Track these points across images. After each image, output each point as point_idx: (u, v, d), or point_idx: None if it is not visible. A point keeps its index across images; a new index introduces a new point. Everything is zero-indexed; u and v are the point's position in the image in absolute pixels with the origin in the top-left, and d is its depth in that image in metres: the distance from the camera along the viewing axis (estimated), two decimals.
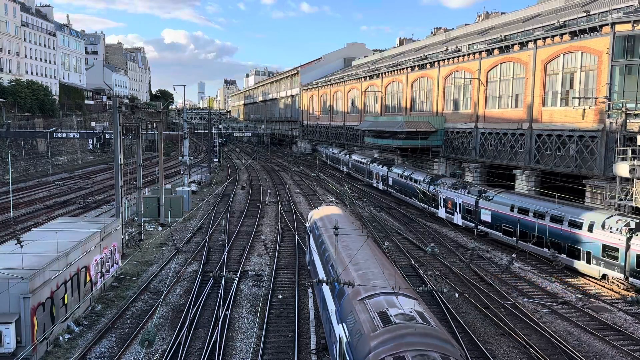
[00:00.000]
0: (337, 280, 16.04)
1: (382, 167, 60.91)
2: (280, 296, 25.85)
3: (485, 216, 37.73)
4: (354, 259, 18.05)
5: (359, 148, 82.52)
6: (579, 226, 29.70)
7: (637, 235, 26.40)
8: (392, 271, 17.84)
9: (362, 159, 70.69)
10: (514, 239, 34.30)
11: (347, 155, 78.25)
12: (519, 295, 26.64)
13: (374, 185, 63.40)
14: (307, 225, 29.63)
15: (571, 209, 31.40)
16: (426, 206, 46.99)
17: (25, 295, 18.30)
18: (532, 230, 32.89)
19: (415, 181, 49.74)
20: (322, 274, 21.01)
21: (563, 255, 30.23)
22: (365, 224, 38.49)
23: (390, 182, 57.27)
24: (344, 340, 13.91)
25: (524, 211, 33.94)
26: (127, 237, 34.31)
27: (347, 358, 13.25)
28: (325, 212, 27.99)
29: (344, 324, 14.44)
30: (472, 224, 39.15)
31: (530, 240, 32.59)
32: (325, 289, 18.85)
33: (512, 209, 34.98)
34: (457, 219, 41.36)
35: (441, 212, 44.15)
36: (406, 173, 53.05)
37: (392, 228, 41.62)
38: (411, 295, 14.81)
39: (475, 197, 39.03)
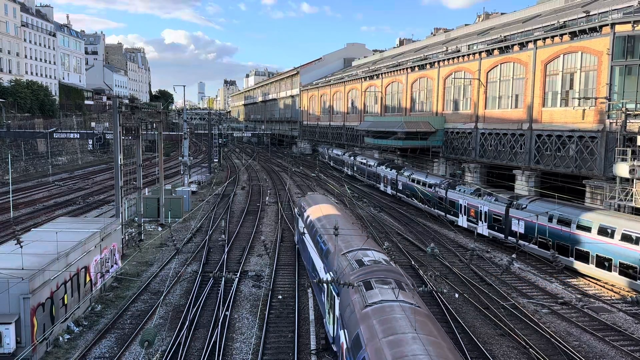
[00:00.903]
0: (324, 243, 22.41)
1: (391, 170, 57.90)
2: (280, 296, 25.85)
3: (517, 227, 34.16)
4: (337, 228, 21.58)
5: (359, 149, 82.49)
6: (635, 241, 26.02)
7: None
8: (365, 234, 23.67)
9: (368, 161, 67.79)
10: (554, 252, 28.88)
11: (352, 157, 75.38)
12: (519, 296, 26.64)
13: (382, 189, 60.50)
14: (296, 210, 35.74)
15: (624, 221, 27.51)
16: (443, 213, 43.71)
17: (25, 296, 18.30)
18: (575, 244, 29.50)
19: (430, 186, 46.57)
20: (310, 243, 26.21)
21: (614, 273, 27.17)
22: (365, 225, 38.49)
23: (400, 187, 54.32)
24: (330, 283, 18.18)
25: (564, 222, 30.41)
26: (127, 237, 34.30)
27: (333, 292, 18.26)
28: (313, 198, 33.77)
29: (330, 272, 19.71)
30: (501, 235, 35.80)
31: (572, 255, 29.54)
32: (314, 255, 24.48)
33: (550, 220, 31.39)
34: (482, 228, 37.84)
35: (462, 221, 40.90)
36: (419, 177, 49.98)
37: (392, 228, 41.61)
38: (379, 250, 21.12)
39: (505, 205, 35.58)
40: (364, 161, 68.87)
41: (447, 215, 42.97)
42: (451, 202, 42.47)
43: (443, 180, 45.77)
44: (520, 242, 33.46)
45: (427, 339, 11.92)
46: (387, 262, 18.67)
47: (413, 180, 50.72)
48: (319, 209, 29.04)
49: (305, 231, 28.18)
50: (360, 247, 20.45)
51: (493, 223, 36.77)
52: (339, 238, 21.12)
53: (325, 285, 19.50)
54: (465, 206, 40.36)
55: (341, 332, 15.68)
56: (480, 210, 38.24)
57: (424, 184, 47.82)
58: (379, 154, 73.93)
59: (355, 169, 72.80)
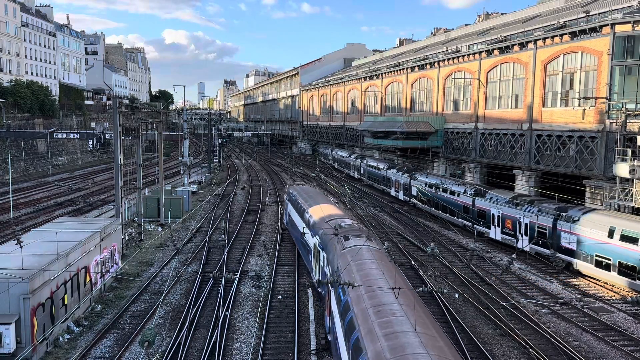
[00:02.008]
0: (311, 216, 28.34)
1: (403, 174, 54.26)
2: (280, 296, 25.85)
3: (568, 242, 30.35)
4: (321, 207, 28.89)
5: (360, 149, 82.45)
6: None
7: None
8: (342, 208, 29.99)
9: (377, 164, 63.89)
10: (616, 275, 27.32)
11: (359, 160, 71.73)
12: (519, 296, 26.64)
13: (392, 194, 56.77)
14: (285, 196, 40.45)
15: None
16: (470, 224, 39.92)
17: (25, 296, 18.30)
18: None
19: (452, 193, 42.60)
20: (298, 219, 32.10)
21: None
22: (366, 225, 38.47)
23: (414, 192, 50.43)
24: (317, 243, 24.68)
25: (630, 239, 26.49)
26: (127, 237, 34.30)
27: (319, 248, 23.99)
28: (301, 188, 39.15)
29: (316, 236, 25.15)
30: (547, 251, 31.60)
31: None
32: (303, 226, 29.74)
33: (610, 235, 27.60)
34: (522, 242, 33.78)
35: (494, 233, 36.86)
36: (437, 182, 45.97)
37: (392, 228, 41.61)
38: (353, 219, 27.12)
39: (553, 217, 31.54)
40: (373, 164, 65.20)
41: (476, 226, 38.83)
42: (480, 211, 38.43)
43: (468, 188, 41.50)
44: (573, 260, 29.98)
45: (380, 263, 18.44)
46: (358, 226, 24.73)
47: (431, 186, 46.51)
48: (305, 192, 35.58)
49: (294, 211, 34.16)
50: (339, 216, 26.49)
51: (538, 237, 32.43)
52: (322, 211, 27.84)
53: (313, 246, 25.83)
54: (499, 216, 36.17)
55: (326, 269, 21.71)
56: (520, 221, 34.01)
57: (445, 190, 43.92)
58: (379, 154, 73.91)
59: (362, 172, 69.30)
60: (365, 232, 23.28)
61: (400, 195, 54.41)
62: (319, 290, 24.88)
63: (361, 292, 15.40)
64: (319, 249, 23.94)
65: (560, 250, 30.63)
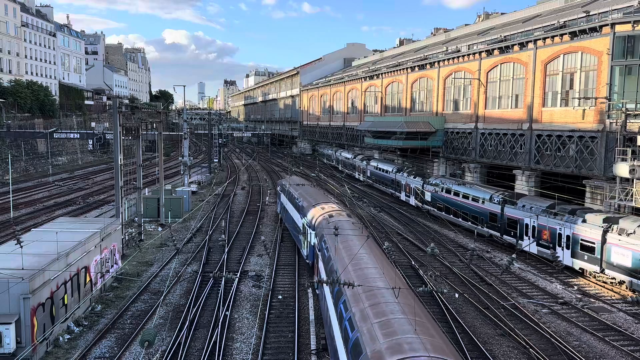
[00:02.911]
0: (299, 202, 32.94)
1: (415, 178, 51.26)
2: (280, 296, 25.85)
3: (621, 258, 26.72)
4: (312, 197, 33.11)
5: (359, 148, 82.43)
6: None
7: None
8: (335, 201, 33.57)
9: (384, 166, 61.16)
10: (554, 252, 27.52)
11: (364, 162, 68.97)
12: (519, 296, 26.64)
13: (403, 199, 53.68)
14: (278, 187, 45.42)
15: None
16: (498, 234, 36.58)
17: (25, 296, 18.30)
18: None
19: (476, 200, 39.42)
20: (290, 206, 36.50)
21: None
22: (366, 225, 38.46)
23: (428, 198, 47.12)
24: (305, 222, 29.12)
25: None
26: (127, 237, 34.30)
27: (308, 228, 28.19)
28: (292, 179, 43.19)
29: (304, 218, 29.57)
30: (595, 267, 28.44)
31: None
32: (293, 211, 34.56)
33: None
34: (563, 256, 30.20)
35: (528, 245, 33.09)
36: (457, 188, 42.53)
37: (392, 228, 41.61)
38: (333, 202, 32.26)
39: (602, 229, 27.90)
40: (381, 167, 62.17)
41: (505, 237, 35.61)
42: (510, 220, 35.12)
43: (495, 194, 38.02)
44: (626, 278, 26.75)
45: (351, 225, 23.48)
46: (349, 216, 27.96)
47: (449, 192, 43.36)
48: (295, 183, 39.90)
49: (287, 199, 38.43)
50: (324, 201, 31.52)
51: (581, 250, 29.38)
52: (310, 198, 32.56)
53: (302, 226, 30.39)
54: (534, 227, 32.83)
55: (315, 240, 26.14)
56: (560, 233, 30.61)
57: (466, 196, 40.85)
58: (379, 154, 73.87)
59: (369, 174, 66.12)
60: (346, 211, 29.37)
61: (412, 201, 51.31)
62: (307, 261, 29.33)
63: (337, 241, 21.38)
64: (308, 228, 28.35)
65: (610, 267, 27.60)
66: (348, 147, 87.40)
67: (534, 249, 32.87)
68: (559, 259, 29.40)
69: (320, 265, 22.54)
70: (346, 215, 27.40)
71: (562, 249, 30.59)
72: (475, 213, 39.34)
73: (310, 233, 27.12)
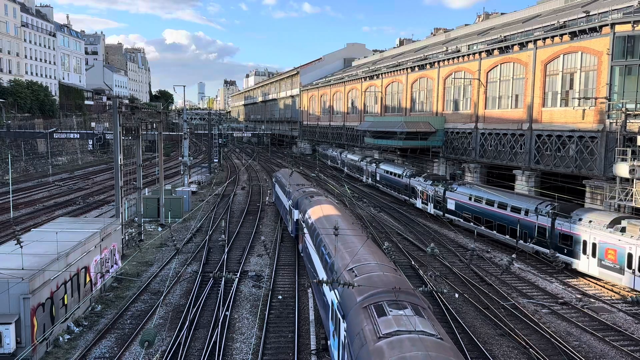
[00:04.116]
0: (287, 188, 38.84)
1: (433, 183, 46.27)
2: (280, 296, 25.85)
3: None
4: (303, 187, 37.58)
5: (359, 148, 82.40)
6: None
7: None
8: (305, 178, 41.15)
9: (397, 170, 56.52)
10: (554, 252, 25.62)
11: (373, 165, 64.29)
12: (519, 296, 26.64)
13: (419, 206, 49.00)
14: (273, 179, 52.77)
15: None
16: (547, 251, 31.26)
17: (25, 296, 18.30)
18: None
19: (516, 210, 34.77)
20: (281, 193, 42.34)
21: None
22: (366, 225, 38.44)
23: (451, 207, 42.51)
24: (290, 204, 35.07)
25: None
26: (127, 237, 34.29)
27: (292, 209, 33.77)
28: (283, 170, 50.32)
29: (290, 200, 35.65)
30: None
31: None
32: (283, 197, 40.29)
33: None
34: (635, 281, 26.40)
35: (587, 265, 29.09)
36: (491, 197, 37.63)
37: (392, 228, 41.60)
38: (316, 187, 38.87)
39: None
40: (391, 170, 57.92)
41: (559, 255, 30.39)
42: (564, 236, 30.81)
43: (540, 204, 33.24)
44: None
45: (331, 205, 29.03)
46: (317, 190, 36.12)
47: (479, 200, 38.79)
48: (286, 173, 45.76)
49: (279, 188, 44.61)
50: (306, 185, 38.82)
51: None
52: (295, 183, 39.29)
53: (289, 207, 36.36)
54: (595, 244, 28.60)
55: (300, 216, 31.61)
56: (631, 253, 26.61)
57: (502, 206, 36.15)
58: (379, 154, 73.86)
59: (378, 178, 61.81)
60: (323, 193, 36.99)
61: (430, 209, 46.41)
62: (292, 235, 35.46)
63: (311, 206, 29.30)
64: (292, 209, 34.19)
65: None
66: (351, 147, 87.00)
67: (593, 270, 28.68)
68: (626, 284, 26.27)
69: (305, 231, 28.12)
70: (323, 196, 34.51)
71: (636, 272, 26.17)
72: (517, 225, 34.49)
73: (295, 211, 33.08)
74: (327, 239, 21.45)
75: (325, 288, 18.78)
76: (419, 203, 49.24)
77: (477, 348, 20.30)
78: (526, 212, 33.90)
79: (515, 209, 35.00)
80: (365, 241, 20.55)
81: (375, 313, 13.12)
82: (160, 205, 42.86)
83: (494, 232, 37.06)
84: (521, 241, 34.03)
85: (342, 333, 14.52)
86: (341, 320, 14.82)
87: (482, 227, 37.88)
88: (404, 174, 53.90)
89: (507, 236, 35.65)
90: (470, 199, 40.10)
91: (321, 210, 27.49)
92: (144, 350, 19.35)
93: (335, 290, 16.38)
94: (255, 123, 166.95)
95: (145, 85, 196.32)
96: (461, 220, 41.16)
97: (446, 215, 43.30)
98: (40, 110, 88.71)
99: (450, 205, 42.67)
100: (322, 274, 20.77)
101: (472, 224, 39.42)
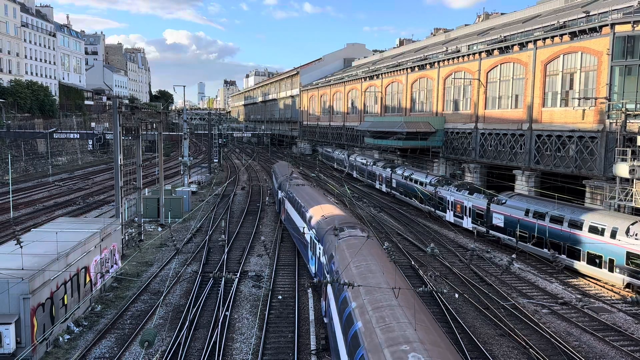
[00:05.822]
0: (280, 179, 46.21)
1: (472, 195, 40.09)
2: (280, 297, 25.85)
3: None
4: (297, 182, 40.59)
5: (359, 149, 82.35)
6: None
7: None
8: (294, 167, 55.80)
9: (418, 177, 50.19)
10: (554, 252, 23.82)
11: (389, 170, 58.46)
12: (519, 296, 26.64)
13: (450, 219, 42.38)
14: (272, 170, 60.21)
15: None
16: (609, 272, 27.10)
17: (25, 296, 18.30)
18: None
19: (594, 231, 28.27)
20: (275, 184, 49.01)
21: None
22: (366, 225, 38.41)
23: (499, 223, 35.97)
24: (283, 195, 41.36)
25: None
26: (127, 237, 34.30)
27: (282, 196, 41.21)
28: (280, 163, 57.44)
29: (280, 190, 43.21)
30: None
31: None
32: (276, 185, 48.29)
33: None
34: None
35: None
36: (571, 216, 30.41)
37: (392, 228, 41.60)
38: (300, 177, 45.13)
39: None
40: (412, 176, 51.78)
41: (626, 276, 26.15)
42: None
43: (634, 225, 26.75)
44: None
45: (316, 191, 37.41)
46: (303, 180, 42.00)
47: (541, 217, 32.33)
48: (282, 167, 53.27)
49: (274, 179, 52.60)
50: (294, 176, 43.02)
51: None
52: (283, 174, 45.65)
53: (279, 192, 42.78)
54: None
55: (282, 196, 40.76)
56: None
57: (575, 225, 29.75)
58: (379, 154, 73.82)
59: (394, 184, 55.94)
60: (310, 182, 44.78)
61: (466, 223, 40.15)
62: (277, 211, 44.57)
63: (292, 187, 37.63)
64: (282, 196, 41.08)
65: None
66: (361, 149, 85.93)
67: None
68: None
69: (286, 203, 38.36)
70: (307, 181, 42.91)
71: None
72: (601, 252, 27.78)
73: (284, 200, 39.77)
74: (303, 202, 32.25)
75: (306, 232, 28.46)
76: (449, 216, 42.68)
77: (477, 348, 20.30)
78: (600, 232, 27.64)
79: (595, 229, 28.15)
80: (330, 200, 33.60)
81: (338, 231, 22.43)
82: (160, 205, 42.85)
83: (581, 262, 29.09)
84: (604, 269, 27.60)
85: (318, 251, 24.25)
86: (317, 243, 24.75)
87: (555, 252, 29.51)
88: (429, 181, 47.35)
89: (585, 263, 28.39)
90: (527, 213, 33.67)
91: (303, 190, 36.70)
92: (144, 350, 19.34)
93: (312, 230, 26.52)
94: (255, 123, 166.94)
95: (145, 85, 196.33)
96: (513, 239, 34.20)
97: (491, 232, 37.31)
98: (40, 111, 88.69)
99: (498, 222, 36.16)
100: (301, 224, 30.80)
101: (530, 245, 32.54)
